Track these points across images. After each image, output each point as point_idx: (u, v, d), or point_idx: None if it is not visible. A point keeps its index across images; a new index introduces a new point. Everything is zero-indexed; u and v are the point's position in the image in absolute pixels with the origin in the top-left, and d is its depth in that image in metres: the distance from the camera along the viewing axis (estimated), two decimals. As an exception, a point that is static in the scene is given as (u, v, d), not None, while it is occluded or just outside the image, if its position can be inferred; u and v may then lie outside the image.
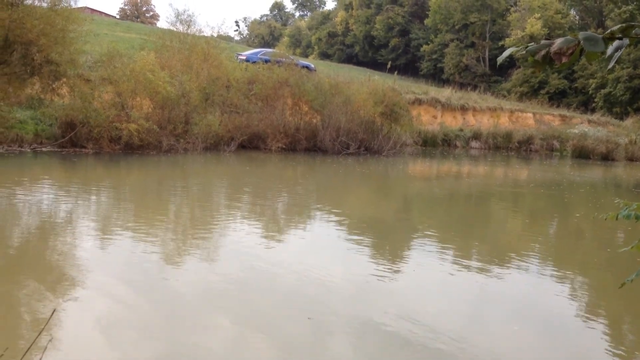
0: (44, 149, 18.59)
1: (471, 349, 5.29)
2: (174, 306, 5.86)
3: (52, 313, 4.37)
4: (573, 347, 5.72)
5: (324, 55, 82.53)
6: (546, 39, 2.16)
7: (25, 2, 17.55)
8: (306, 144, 25.41)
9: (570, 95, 52.77)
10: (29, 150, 18.24)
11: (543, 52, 2.14)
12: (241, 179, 16.60)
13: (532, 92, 52.75)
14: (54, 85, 18.53)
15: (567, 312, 6.57)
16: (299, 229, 10.32)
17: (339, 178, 18.60)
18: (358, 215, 12.30)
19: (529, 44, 2.18)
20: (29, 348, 2.54)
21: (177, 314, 5.64)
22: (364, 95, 25.86)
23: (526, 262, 8.73)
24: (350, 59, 78.22)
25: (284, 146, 24.22)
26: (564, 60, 2.11)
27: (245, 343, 5.15)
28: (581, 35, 2.10)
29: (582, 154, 34.57)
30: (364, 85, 27.76)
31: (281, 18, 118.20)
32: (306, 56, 78.47)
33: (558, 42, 2.14)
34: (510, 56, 2.24)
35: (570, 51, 2.11)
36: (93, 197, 12.25)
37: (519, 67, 54.93)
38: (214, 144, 22.30)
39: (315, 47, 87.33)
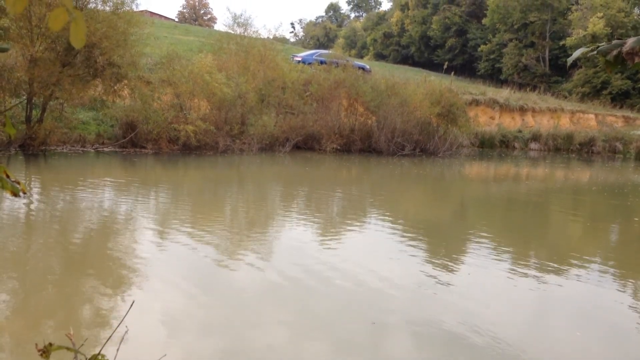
0: (105, 149, 19.13)
1: (532, 353, 5.16)
2: (233, 303, 5.93)
3: (132, 305, 4.45)
4: (638, 353, 5.51)
5: (379, 56, 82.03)
6: (618, 38, 2.08)
7: (88, 6, 18.08)
8: (361, 145, 25.36)
9: (634, 95, 50.81)
10: (91, 150, 18.79)
11: (615, 53, 2.06)
12: (296, 180, 16.69)
13: (594, 92, 51.05)
14: (115, 87, 19.03)
15: (631, 318, 6.35)
16: (354, 231, 10.29)
17: (394, 179, 18.48)
18: (413, 217, 12.20)
19: (599, 44, 2.10)
20: (109, 338, 2.60)
21: (236, 311, 5.70)
22: (420, 96, 25.62)
23: (587, 267, 8.48)
24: (406, 60, 77.49)
25: (338, 147, 24.23)
26: (637, 60, 2.04)
27: (304, 341, 5.17)
28: (654, 34, 2.01)
29: (646, 157, 33.43)
30: (421, 86, 27.48)
31: (336, 19, 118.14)
32: (361, 57, 78.20)
33: (630, 42, 2.06)
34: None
35: (643, 51, 2.03)
36: (152, 196, 12.52)
37: (581, 67, 53.30)
38: (269, 145, 22.51)
39: (371, 48, 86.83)
